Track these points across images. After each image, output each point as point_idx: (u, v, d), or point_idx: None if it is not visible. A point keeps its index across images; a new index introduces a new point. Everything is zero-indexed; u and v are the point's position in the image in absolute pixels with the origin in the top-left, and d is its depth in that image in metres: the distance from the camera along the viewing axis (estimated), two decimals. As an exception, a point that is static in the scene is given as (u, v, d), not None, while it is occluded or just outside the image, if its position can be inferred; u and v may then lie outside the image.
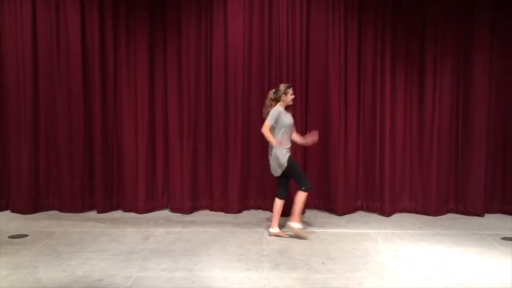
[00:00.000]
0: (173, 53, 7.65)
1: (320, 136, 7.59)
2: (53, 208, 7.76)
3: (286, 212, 6.65)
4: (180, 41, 7.62)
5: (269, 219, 7.23)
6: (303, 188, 6.39)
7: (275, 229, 6.52)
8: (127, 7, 7.55)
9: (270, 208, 7.59)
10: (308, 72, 7.65)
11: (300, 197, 6.41)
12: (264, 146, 7.59)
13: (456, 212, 7.72)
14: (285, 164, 6.39)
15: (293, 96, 6.55)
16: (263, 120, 7.66)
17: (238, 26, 7.54)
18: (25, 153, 7.57)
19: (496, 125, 7.67)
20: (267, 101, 6.60)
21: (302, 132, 7.53)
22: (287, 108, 6.59)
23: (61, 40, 7.56)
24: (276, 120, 6.39)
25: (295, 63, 7.51)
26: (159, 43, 7.67)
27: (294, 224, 6.44)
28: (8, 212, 7.66)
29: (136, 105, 7.65)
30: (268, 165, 7.60)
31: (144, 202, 7.67)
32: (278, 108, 6.46)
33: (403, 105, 7.68)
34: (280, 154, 6.39)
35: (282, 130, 6.42)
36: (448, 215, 7.67)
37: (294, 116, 7.41)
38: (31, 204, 7.61)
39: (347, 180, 7.64)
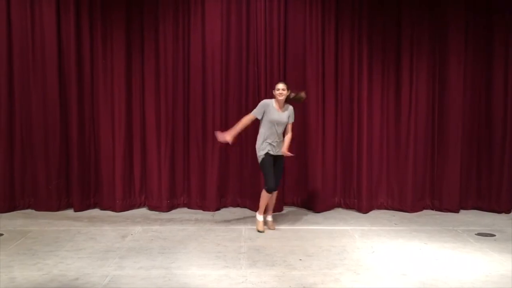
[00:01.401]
0: (151, 52, 7.60)
1: (298, 134, 7.65)
2: (28, 207, 7.67)
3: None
4: (157, 40, 7.58)
5: (247, 217, 7.28)
6: (266, 188, 6.46)
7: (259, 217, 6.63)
8: (104, 5, 7.48)
9: (248, 206, 7.65)
10: (286, 71, 7.67)
11: (262, 195, 6.52)
12: (243, 144, 7.63)
13: (432, 209, 7.82)
14: (259, 159, 6.48)
15: (278, 91, 6.48)
16: (240, 118, 7.72)
17: (216, 25, 7.53)
18: (0, 153, 7.46)
19: (471, 123, 7.79)
20: None
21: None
22: (290, 104, 6.63)
23: (36, 40, 7.45)
24: (261, 113, 6.46)
25: (272, 63, 7.51)
26: (136, 42, 7.61)
27: (257, 216, 6.61)
28: (-18, 211, 7.57)
29: (113, 104, 7.58)
30: (246, 163, 7.65)
31: (122, 200, 7.62)
32: (266, 101, 6.54)
33: (380, 104, 7.75)
34: (259, 147, 6.48)
35: (267, 124, 6.45)
36: (424, 211, 7.76)
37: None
38: (6, 203, 7.49)
39: (325, 178, 7.68)
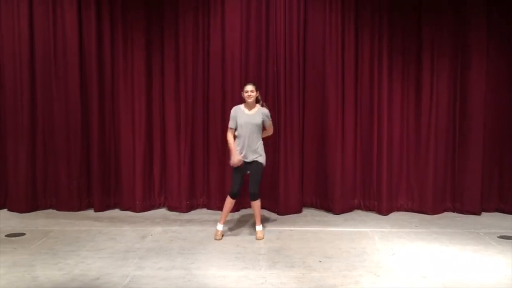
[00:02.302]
0: (171, 52, 7.64)
1: (317, 134, 7.67)
2: (50, 207, 7.77)
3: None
4: (177, 40, 7.61)
5: (266, 218, 7.28)
6: (229, 192, 6.41)
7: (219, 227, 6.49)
8: (124, 5, 7.54)
9: (267, 207, 7.65)
10: (306, 72, 7.65)
11: (226, 200, 6.43)
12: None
13: (453, 211, 7.73)
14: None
15: (246, 93, 6.38)
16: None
17: (235, 25, 7.53)
18: (23, 152, 7.57)
19: (493, 123, 7.68)
20: None
21: (300, 130, 7.57)
22: (260, 106, 6.51)
23: (58, 41, 7.55)
24: (234, 121, 6.39)
25: (292, 62, 7.49)
26: (156, 42, 7.67)
27: (217, 225, 6.48)
28: (5, 211, 7.66)
29: (134, 104, 7.64)
30: (269, 163, 7.64)
31: (141, 201, 7.68)
32: (235, 107, 6.50)
33: (400, 104, 7.68)
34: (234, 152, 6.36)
35: (238, 128, 6.38)
36: (445, 213, 7.68)
37: (291, 115, 7.45)
38: (28, 203, 7.60)
39: (344, 179, 7.64)
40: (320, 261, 5.51)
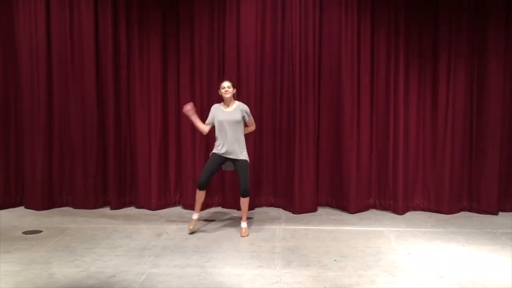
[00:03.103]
0: (186, 52, 7.66)
1: (332, 134, 7.64)
2: (66, 205, 7.83)
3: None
4: (193, 40, 7.63)
5: (281, 217, 7.27)
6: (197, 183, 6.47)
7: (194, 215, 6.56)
8: (140, 6, 7.58)
9: (282, 206, 7.66)
10: (321, 72, 7.62)
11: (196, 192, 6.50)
12: (276, 142, 7.64)
13: (470, 210, 7.66)
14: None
15: (223, 89, 6.40)
16: (274, 117, 7.72)
17: (251, 23, 7.52)
18: (39, 151, 7.64)
19: (510, 123, 7.60)
20: None
21: (315, 130, 7.54)
22: (235, 102, 6.55)
23: (74, 41, 7.61)
24: (212, 118, 6.48)
25: (307, 60, 7.46)
26: (172, 43, 7.70)
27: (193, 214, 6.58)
28: (22, 208, 7.74)
29: (149, 103, 7.68)
30: (280, 163, 7.65)
31: (157, 199, 7.72)
32: (214, 105, 6.58)
33: (417, 103, 7.62)
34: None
35: (217, 125, 6.43)
36: (462, 213, 7.61)
37: (306, 114, 7.43)
38: (45, 200, 7.67)
39: (360, 178, 7.61)
40: (335, 260, 5.50)
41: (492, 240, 6.28)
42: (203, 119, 6.66)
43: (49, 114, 7.71)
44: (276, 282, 4.88)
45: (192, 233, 6.45)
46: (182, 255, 5.63)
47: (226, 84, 6.43)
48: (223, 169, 6.63)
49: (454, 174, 7.58)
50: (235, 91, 6.53)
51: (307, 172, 7.52)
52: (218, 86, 6.61)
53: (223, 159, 6.43)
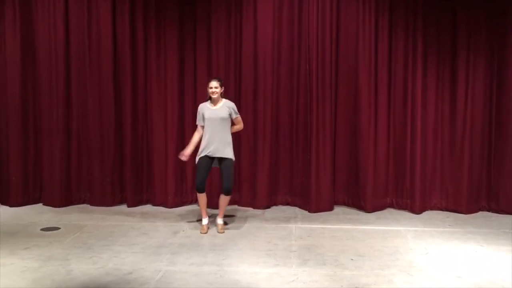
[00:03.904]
0: (203, 51, 7.68)
1: (349, 132, 7.62)
2: (84, 202, 7.90)
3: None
4: (210, 38, 7.64)
5: (297, 215, 7.26)
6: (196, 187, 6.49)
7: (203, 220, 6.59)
8: (157, 4, 7.61)
9: (298, 204, 7.64)
10: (338, 68, 7.60)
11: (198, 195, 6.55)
12: (293, 140, 7.63)
13: (489, 210, 7.58)
14: (196, 160, 6.48)
15: (211, 89, 6.40)
16: (291, 115, 7.70)
17: (268, 21, 7.52)
18: (57, 148, 7.71)
19: (530, 122, 7.52)
20: None
21: (332, 128, 7.51)
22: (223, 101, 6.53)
23: (92, 39, 7.67)
24: (201, 118, 6.48)
25: (324, 58, 7.43)
26: (188, 40, 7.72)
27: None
28: (40, 205, 7.82)
29: (166, 102, 7.72)
30: (297, 162, 7.62)
31: (173, 196, 7.74)
32: (201, 105, 6.57)
33: (435, 102, 7.56)
34: (199, 149, 6.47)
35: (206, 124, 6.42)
36: (480, 213, 7.53)
37: (323, 113, 7.40)
38: (62, 197, 7.74)
39: (377, 177, 7.57)
40: (352, 259, 5.47)
41: (511, 240, 6.20)
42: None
43: (67, 114, 7.78)
44: (293, 280, 4.87)
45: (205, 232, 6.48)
46: (198, 253, 5.65)
47: (213, 84, 6.44)
48: (214, 166, 6.57)
49: (472, 174, 7.50)
50: (222, 89, 6.53)
51: (323, 171, 7.50)
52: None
53: (211, 158, 6.43)
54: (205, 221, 6.53)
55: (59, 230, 6.54)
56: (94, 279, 4.87)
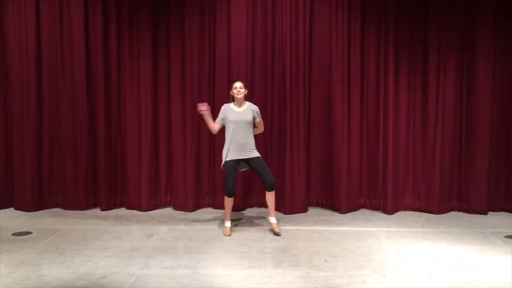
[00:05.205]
0: (177, 51, 7.64)
1: (323, 134, 7.67)
2: (56, 206, 7.79)
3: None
4: (183, 41, 7.61)
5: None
6: (225, 192, 6.47)
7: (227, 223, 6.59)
8: (130, 6, 7.56)
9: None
10: (312, 70, 7.64)
11: (225, 199, 6.55)
12: (267, 142, 7.64)
13: (460, 210, 7.70)
14: (222, 163, 6.49)
15: (236, 90, 6.46)
16: (265, 118, 7.69)
17: (241, 25, 7.53)
18: (29, 151, 7.60)
19: (499, 123, 7.64)
20: None
21: (305, 129, 7.55)
22: (245, 103, 6.58)
23: (64, 39, 7.56)
24: (221, 118, 6.52)
25: (298, 61, 7.47)
26: (162, 42, 7.68)
27: (225, 222, 6.60)
28: (11, 209, 7.70)
29: (140, 104, 7.66)
30: (271, 164, 7.62)
31: (147, 200, 7.69)
32: (225, 105, 6.59)
33: (407, 103, 7.66)
34: (224, 153, 6.47)
35: (229, 126, 6.45)
36: (451, 213, 7.65)
37: (297, 113, 7.44)
38: (34, 201, 7.63)
39: (350, 178, 7.63)
40: (326, 260, 5.51)
41: (482, 240, 6.32)
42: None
43: (38, 115, 7.67)
44: (267, 282, 4.88)
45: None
46: (173, 256, 5.62)
47: (238, 84, 6.48)
48: (238, 170, 6.57)
49: (444, 174, 7.62)
50: (246, 91, 6.57)
51: (298, 173, 7.53)
52: (229, 86, 6.66)
53: (237, 162, 6.43)
54: (228, 223, 6.53)
55: (31, 234, 6.44)
56: (66, 284, 4.82)
